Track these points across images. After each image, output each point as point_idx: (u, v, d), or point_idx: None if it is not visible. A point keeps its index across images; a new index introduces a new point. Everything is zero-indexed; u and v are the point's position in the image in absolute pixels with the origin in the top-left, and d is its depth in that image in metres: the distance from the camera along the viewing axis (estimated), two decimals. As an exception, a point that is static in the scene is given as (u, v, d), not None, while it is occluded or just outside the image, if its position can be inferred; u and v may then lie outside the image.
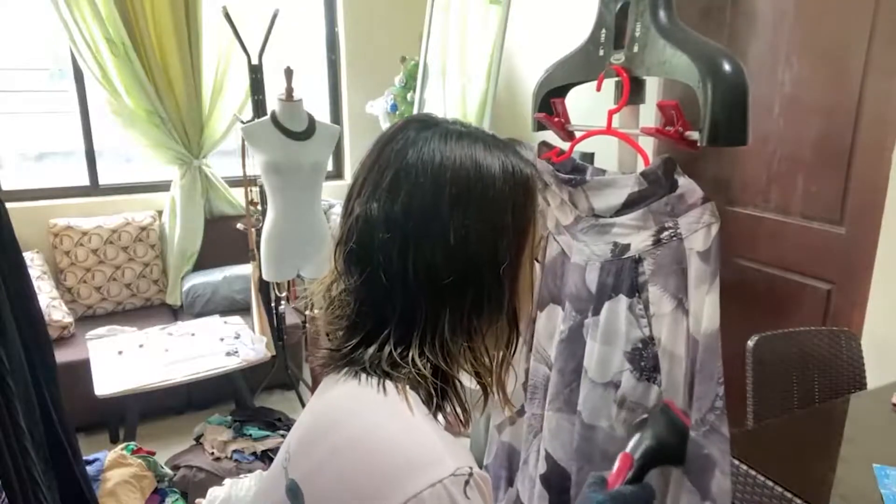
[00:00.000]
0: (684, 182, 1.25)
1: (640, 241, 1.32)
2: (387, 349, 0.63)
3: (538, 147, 1.52)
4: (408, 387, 0.62)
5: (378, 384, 0.62)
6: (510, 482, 1.68)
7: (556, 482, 1.49)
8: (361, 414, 0.61)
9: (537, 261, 0.72)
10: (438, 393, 0.65)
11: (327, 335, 0.70)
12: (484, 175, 0.63)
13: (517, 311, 0.68)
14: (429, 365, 0.62)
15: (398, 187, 0.63)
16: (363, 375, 0.63)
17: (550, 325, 1.53)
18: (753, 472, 1.22)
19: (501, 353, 0.69)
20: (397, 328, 0.63)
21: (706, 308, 1.22)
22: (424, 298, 0.62)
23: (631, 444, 0.98)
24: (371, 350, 0.64)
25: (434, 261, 0.62)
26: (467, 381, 0.68)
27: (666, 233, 1.28)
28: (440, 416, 0.66)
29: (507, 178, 0.65)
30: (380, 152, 0.66)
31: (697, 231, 1.23)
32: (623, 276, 1.34)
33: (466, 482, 0.56)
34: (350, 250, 0.65)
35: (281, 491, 0.64)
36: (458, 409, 0.67)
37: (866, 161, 1.92)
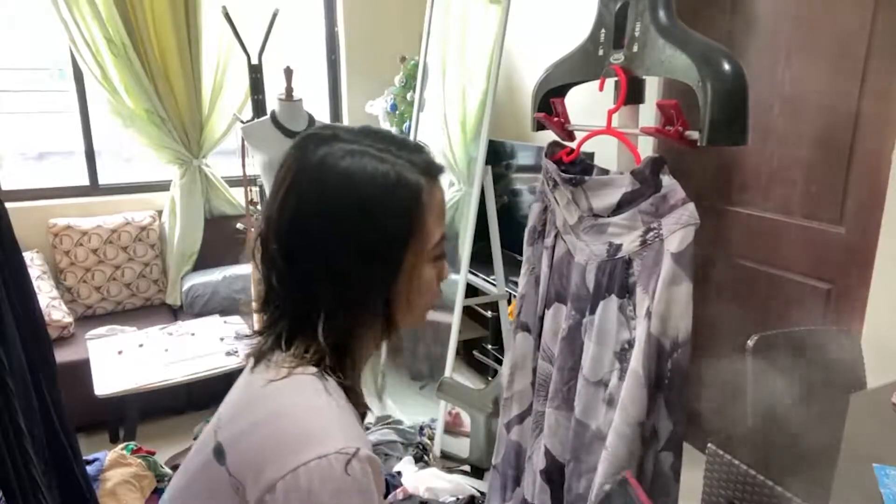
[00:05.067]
0: (668, 182, 1.25)
1: (630, 242, 1.32)
2: (293, 341, 0.75)
3: (548, 147, 1.53)
4: (323, 374, 0.73)
5: (293, 371, 0.73)
6: (517, 482, 1.67)
7: (557, 477, 1.50)
8: (279, 395, 0.72)
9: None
10: (340, 371, 0.75)
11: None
12: (356, 185, 0.72)
13: (392, 303, 0.77)
14: (326, 348, 0.73)
15: (288, 198, 0.74)
16: (284, 364, 0.74)
17: (555, 323, 1.54)
18: (753, 472, 1.22)
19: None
20: (293, 322, 0.75)
21: (683, 321, 1.23)
22: (308, 294, 0.74)
23: None
24: (284, 342, 0.75)
25: (309, 266, 0.73)
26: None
27: (651, 234, 1.28)
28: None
29: (386, 186, 0.72)
30: (284, 158, 0.77)
31: (675, 232, 1.23)
32: (615, 277, 1.34)
33: (348, 460, 0.65)
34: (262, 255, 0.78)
35: (209, 450, 0.74)
36: (348, 375, 0.76)
37: (866, 161, 1.91)
